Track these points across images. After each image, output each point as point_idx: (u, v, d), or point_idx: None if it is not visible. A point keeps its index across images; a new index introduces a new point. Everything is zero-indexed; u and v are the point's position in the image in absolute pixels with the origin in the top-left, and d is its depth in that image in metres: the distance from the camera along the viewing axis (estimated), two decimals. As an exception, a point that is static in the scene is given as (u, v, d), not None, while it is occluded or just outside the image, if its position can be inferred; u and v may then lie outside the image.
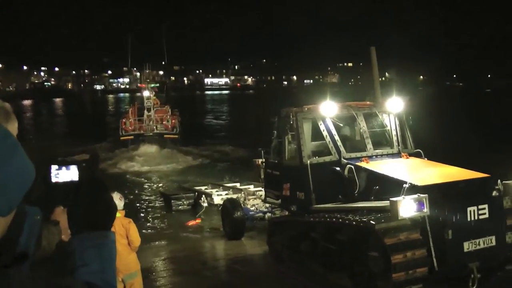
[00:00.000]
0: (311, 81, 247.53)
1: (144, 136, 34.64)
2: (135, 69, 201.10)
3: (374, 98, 12.83)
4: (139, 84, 46.83)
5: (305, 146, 11.61)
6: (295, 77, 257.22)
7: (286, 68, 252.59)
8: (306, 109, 12.10)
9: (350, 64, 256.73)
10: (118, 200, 8.40)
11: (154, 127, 35.74)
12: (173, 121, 36.66)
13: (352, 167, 10.84)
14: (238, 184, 19.04)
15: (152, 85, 39.75)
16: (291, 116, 11.80)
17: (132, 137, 35.02)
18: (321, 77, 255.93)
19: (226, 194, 17.83)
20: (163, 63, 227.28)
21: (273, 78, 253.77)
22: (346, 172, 10.95)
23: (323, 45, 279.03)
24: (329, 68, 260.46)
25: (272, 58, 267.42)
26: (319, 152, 11.91)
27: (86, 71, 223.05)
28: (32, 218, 1.69)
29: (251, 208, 15.78)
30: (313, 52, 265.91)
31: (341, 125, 12.15)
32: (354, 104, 12.45)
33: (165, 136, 35.20)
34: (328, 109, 11.66)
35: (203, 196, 18.34)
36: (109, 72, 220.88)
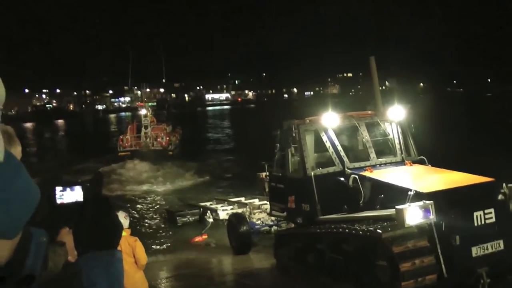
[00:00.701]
0: (312, 93, 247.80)
1: (140, 152, 36.44)
2: (135, 87, 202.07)
3: (375, 107, 12.86)
4: (137, 103, 48.70)
5: (308, 158, 11.62)
6: (295, 90, 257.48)
7: (286, 81, 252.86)
8: (308, 121, 12.17)
9: (350, 74, 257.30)
10: (123, 218, 8.38)
11: (150, 144, 37.54)
12: (167, 138, 38.73)
13: (356, 177, 10.82)
14: (243, 199, 19.03)
15: (150, 103, 43.00)
16: (293, 129, 11.86)
17: (129, 153, 36.71)
18: (321, 88, 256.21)
19: (232, 209, 17.82)
20: (163, 80, 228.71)
21: (273, 91, 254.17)
22: (350, 182, 10.92)
23: (322, 56, 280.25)
24: (329, 79, 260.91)
25: (272, 71, 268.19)
26: (323, 163, 11.89)
27: (87, 91, 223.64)
28: (37, 239, 1.69)
29: (257, 222, 15.75)
30: (313, 64, 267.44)
31: (344, 135, 12.20)
32: (355, 114, 12.50)
33: (159, 151, 37.05)
34: (330, 120, 11.70)
35: (208, 211, 18.35)
36: (110, 91, 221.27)
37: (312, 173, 11.32)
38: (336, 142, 11.66)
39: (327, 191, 11.22)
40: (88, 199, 2.29)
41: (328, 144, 11.64)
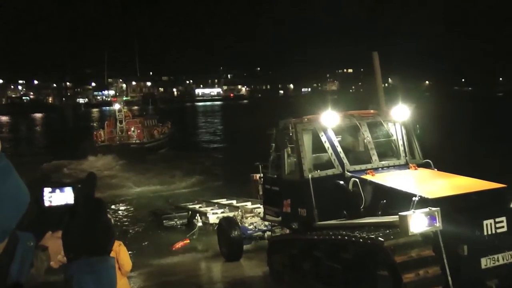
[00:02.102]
0: (309, 89, 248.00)
1: (113, 146, 39.72)
2: (120, 80, 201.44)
3: (378, 106, 12.87)
4: (112, 98, 51.22)
5: (305, 159, 11.61)
6: (291, 86, 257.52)
7: (282, 76, 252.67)
8: (305, 119, 12.12)
9: (350, 70, 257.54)
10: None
11: (123, 138, 41.14)
12: (138, 131, 41.86)
13: (357, 180, 10.83)
14: (234, 201, 19.06)
15: (124, 98, 46.75)
16: (290, 128, 11.81)
17: (101, 147, 40.09)
18: (319, 84, 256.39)
19: (222, 213, 17.82)
20: (151, 73, 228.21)
21: (268, 87, 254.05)
22: (350, 186, 10.94)
23: (321, 51, 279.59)
24: (328, 75, 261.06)
25: (266, 66, 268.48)
26: (321, 165, 11.88)
27: (68, 83, 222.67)
28: (24, 244, 1.68)
29: (249, 227, 15.77)
30: (311, 58, 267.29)
31: (344, 136, 12.20)
32: (357, 113, 12.48)
33: (131, 146, 40.30)
34: (330, 119, 11.68)
35: (197, 215, 18.33)
36: (93, 84, 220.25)
37: (310, 176, 11.30)
38: (336, 143, 11.65)
39: (325, 195, 11.20)
40: (79, 201, 2.28)
41: (327, 145, 11.63)
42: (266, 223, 15.01)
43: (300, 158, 11.63)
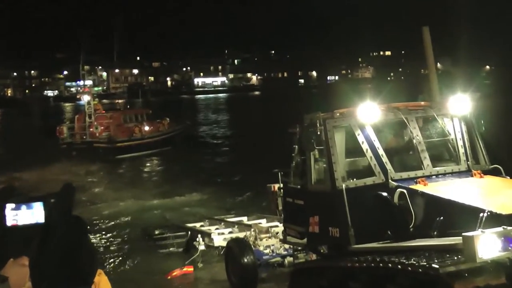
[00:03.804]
0: (336, 77, 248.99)
1: (74, 145, 43.47)
2: (100, 67, 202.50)
3: (430, 97, 12.79)
4: (81, 89, 54.40)
5: (338, 165, 11.53)
6: (314, 73, 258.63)
7: (303, 61, 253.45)
8: (337, 114, 12.05)
9: (388, 53, 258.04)
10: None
11: (84, 136, 44.69)
12: (102, 128, 44.98)
13: (405, 191, 10.74)
14: (245, 218, 19.16)
15: (95, 89, 50.88)
16: (318, 125, 11.73)
17: (65, 145, 43.72)
18: (349, 71, 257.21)
19: (230, 233, 17.93)
20: (138, 58, 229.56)
21: (285, 75, 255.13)
22: (396, 198, 10.86)
23: (351, 29, 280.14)
24: (360, 60, 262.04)
25: (283, 48, 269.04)
26: (358, 172, 11.87)
27: (32, 72, 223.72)
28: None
29: (265, 251, 15.79)
30: (338, 39, 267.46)
31: (387, 134, 12.16)
32: (403, 105, 12.42)
33: (94, 145, 43.40)
34: (369, 113, 11.58)
35: (199, 235, 18.32)
36: (65, 72, 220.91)
37: (344, 186, 11.22)
38: (377, 144, 11.56)
39: (364, 210, 11.16)
40: (53, 219, 2.19)
41: (365, 146, 11.54)
42: (287, 246, 15.06)
43: (331, 163, 11.54)
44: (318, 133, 11.69)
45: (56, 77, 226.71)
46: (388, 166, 11.32)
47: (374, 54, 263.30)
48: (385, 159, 11.41)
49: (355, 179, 11.50)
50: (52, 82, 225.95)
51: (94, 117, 44.47)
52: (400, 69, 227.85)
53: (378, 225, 11.00)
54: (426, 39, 13.03)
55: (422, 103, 12.62)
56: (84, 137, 44.52)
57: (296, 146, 13.08)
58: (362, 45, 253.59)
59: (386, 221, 10.96)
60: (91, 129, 44.30)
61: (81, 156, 40.75)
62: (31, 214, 2.33)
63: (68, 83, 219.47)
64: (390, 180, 11.18)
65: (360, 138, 11.59)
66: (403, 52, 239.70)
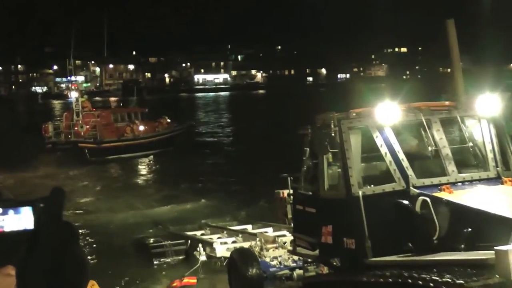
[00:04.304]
0: (347, 75, 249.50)
1: (58, 144, 44.29)
2: (92, 62, 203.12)
3: (454, 96, 12.70)
4: (70, 84, 54.24)
5: (354, 170, 11.46)
6: (323, 71, 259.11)
7: (311, 58, 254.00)
8: (353, 114, 11.99)
9: (403, 50, 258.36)
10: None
11: (68, 135, 45.47)
12: (87, 127, 45.41)
13: (428, 199, 10.63)
14: (250, 227, 19.15)
15: (85, 85, 52.68)
16: (332, 126, 11.69)
17: (50, 145, 44.44)
18: (361, 69, 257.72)
19: (234, 242, 17.92)
20: (134, 53, 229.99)
21: (292, 72, 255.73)
22: (418, 207, 10.77)
23: (363, 23, 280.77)
24: (373, 56, 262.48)
25: (290, 44, 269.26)
26: (375, 178, 11.84)
27: (19, 66, 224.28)
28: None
29: (272, 262, 15.75)
30: (349, 34, 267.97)
31: (407, 137, 12.10)
32: (424, 105, 12.38)
33: (79, 145, 43.93)
34: (388, 113, 11.51)
35: (200, 245, 18.29)
36: (55, 67, 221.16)
37: (360, 193, 11.12)
38: (397, 147, 11.47)
39: (382, 219, 11.05)
40: (42, 226, 2.22)
41: (384, 150, 11.46)
42: (296, 257, 15.04)
43: (346, 168, 11.47)
44: (332, 134, 11.66)
45: (45, 72, 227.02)
46: (409, 172, 11.23)
47: (388, 50, 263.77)
48: (405, 163, 11.31)
49: (372, 186, 11.45)
50: (40, 77, 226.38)
51: (81, 115, 45.22)
52: (417, 67, 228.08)
53: (398, 236, 10.89)
54: (451, 33, 13.01)
55: (446, 103, 12.56)
56: (69, 136, 45.14)
57: (308, 149, 13.04)
58: (375, 41, 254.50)
59: (407, 232, 10.86)
60: (76, 128, 45.01)
61: (65, 157, 41.27)
62: (19, 220, 2.32)
63: (58, 79, 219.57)
64: (411, 187, 11.08)
65: (378, 141, 11.52)
66: (420, 48, 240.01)
